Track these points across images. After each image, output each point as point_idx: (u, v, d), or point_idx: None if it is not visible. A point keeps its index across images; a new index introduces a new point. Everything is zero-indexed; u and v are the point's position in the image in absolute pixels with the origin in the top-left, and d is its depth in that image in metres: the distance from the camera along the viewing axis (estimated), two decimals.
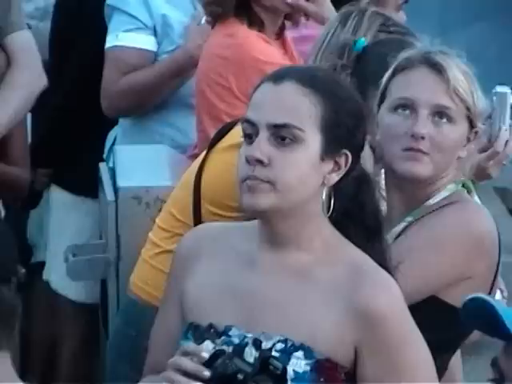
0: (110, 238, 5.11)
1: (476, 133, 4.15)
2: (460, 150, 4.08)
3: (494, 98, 5.00)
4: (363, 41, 4.58)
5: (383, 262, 3.46)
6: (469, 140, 4.09)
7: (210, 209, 4.45)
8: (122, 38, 5.89)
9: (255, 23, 5.06)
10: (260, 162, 3.22)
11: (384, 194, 4.24)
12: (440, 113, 3.97)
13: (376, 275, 3.40)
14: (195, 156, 5.00)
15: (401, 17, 5.72)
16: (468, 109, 4.03)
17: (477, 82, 4.22)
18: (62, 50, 6.44)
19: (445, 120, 3.97)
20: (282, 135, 3.25)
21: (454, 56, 4.13)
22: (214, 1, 5.10)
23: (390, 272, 3.45)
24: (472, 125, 4.09)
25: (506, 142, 4.85)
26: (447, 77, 3.95)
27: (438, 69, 3.98)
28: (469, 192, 4.29)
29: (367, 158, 4.16)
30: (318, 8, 5.36)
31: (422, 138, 3.90)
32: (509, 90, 5.19)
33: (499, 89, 5.15)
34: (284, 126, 3.19)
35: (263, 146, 3.21)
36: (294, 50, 5.43)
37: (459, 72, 4.05)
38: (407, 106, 3.98)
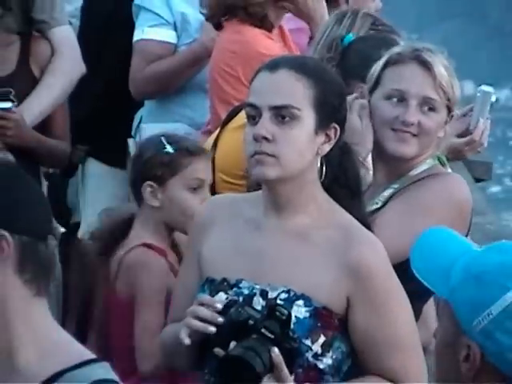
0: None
1: (452, 116, 4.25)
2: (440, 131, 4.16)
3: (478, 94, 5.15)
4: (350, 36, 4.63)
5: (362, 217, 3.62)
6: (446, 122, 4.16)
7: (222, 177, 4.52)
8: (148, 32, 5.91)
9: (262, 22, 5.08)
10: (265, 138, 3.37)
11: (363, 161, 4.22)
12: (427, 103, 4.06)
13: (363, 236, 3.54)
14: (208, 132, 5.15)
15: (377, 4, 5.76)
16: (449, 99, 4.10)
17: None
18: (98, 44, 6.43)
19: (430, 109, 4.06)
20: (283, 114, 3.43)
21: (438, 53, 4.20)
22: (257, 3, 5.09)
23: (368, 224, 3.63)
24: (450, 110, 4.18)
25: (482, 132, 4.94)
26: (434, 73, 4.02)
27: (426, 66, 4.04)
28: (443, 165, 4.35)
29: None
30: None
31: (412, 124, 3.99)
32: (492, 90, 5.28)
33: (484, 88, 5.24)
34: (284, 106, 3.40)
35: (267, 125, 3.38)
36: (292, 42, 5.43)
37: (443, 68, 4.12)
38: (399, 96, 4.06)
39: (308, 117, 3.46)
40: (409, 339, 3.49)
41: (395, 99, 4.12)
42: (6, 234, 2.37)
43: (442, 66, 4.22)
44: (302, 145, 3.47)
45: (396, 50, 4.23)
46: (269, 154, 3.41)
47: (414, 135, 4.08)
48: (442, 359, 2.50)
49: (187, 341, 3.36)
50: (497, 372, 2.33)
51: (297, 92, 3.49)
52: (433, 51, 4.25)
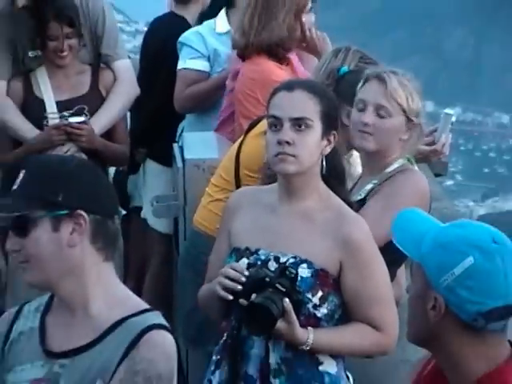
0: (180, 191, 5.12)
1: (414, 124, 4.14)
2: (401, 134, 4.08)
3: (442, 116, 5.15)
4: (345, 68, 4.56)
5: (346, 199, 3.67)
6: (409, 128, 4.08)
7: (245, 172, 4.46)
8: (188, 63, 5.90)
9: (276, 57, 5.02)
10: (287, 142, 3.42)
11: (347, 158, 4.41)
12: (380, 109, 4.00)
13: (351, 217, 3.57)
14: (221, 129, 5.36)
15: (311, 17, 5.36)
16: (403, 109, 4.03)
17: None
18: (152, 72, 6.42)
19: (383, 113, 4.01)
20: (299, 124, 3.46)
21: (400, 74, 4.13)
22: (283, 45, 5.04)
23: (350, 204, 3.68)
24: (409, 119, 4.09)
25: (444, 144, 4.86)
26: (388, 87, 3.98)
27: (382, 81, 4.01)
28: (412, 164, 4.24)
29: None
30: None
31: (366, 124, 3.98)
32: (452, 113, 5.34)
33: (447, 111, 5.31)
34: (301, 118, 3.45)
35: (288, 132, 3.43)
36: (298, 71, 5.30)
37: (397, 84, 4.04)
38: (362, 104, 4.05)
39: (317, 126, 3.51)
40: (385, 295, 3.50)
41: (360, 107, 4.11)
42: (84, 213, 2.43)
43: (396, 82, 4.14)
44: (312, 147, 3.53)
45: (368, 71, 4.24)
46: (289, 154, 3.47)
47: (371, 134, 4.05)
48: (413, 309, 2.50)
49: (222, 292, 3.40)
50: (457, 319, 2.36)
51: (309, 107, 3.53)
52: (394, 73, 4.19)
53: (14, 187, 2.50)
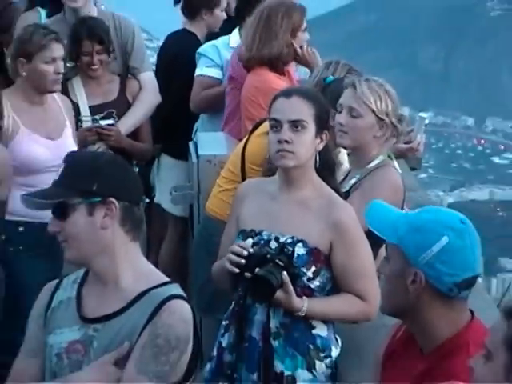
0: (195, 182, 5.10)
1: (385, 122, 4.08)
2: (374, 132, 4.02)
3: (417, 118, 5.12)
4: (330, 78, 4.50)
5: (336, 188, 3.66)
6: (381, 126, 4.02)
7: (250, 166, 4.42)
8: (204, 70, 5.87)
9: (275, 69, 4.97)
10: (286, 141, 3.41)
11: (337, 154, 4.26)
12: (351, 111, 3.94)
13: (340, 204, 3.56)
14: (226, 124, 5.44)
15: (305, 35, 5.34)
16: (373, 110, 3.96)
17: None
18: (169, 79, 6.30)
19: (354, 114, 3.95)
20: (296, 125, 3.44)
21: (372, 81, 4.08)
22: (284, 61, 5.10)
23: (339, 192, 3.69)
24: (381, 119, 4.02)
25: (419, 143, 4.83)
26: (357, 92, 3.93)
27: (354, 87, 3.94)
28: (391, 159, 4.18)
29: None
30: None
31: (341, 124, 3.94)
32: (425, 116, 5.36)
33: (421, 114, 5.27)
34: (298, 120, 3.43)
35: (287, 133, 3.42)
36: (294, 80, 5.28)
37: (367, 89, 3.98)
38: (339, 107, 4.00)
39: (311, 127, 3.50)
40: (369, 270, 3.49)
41: (339, 110, 4.04)
42: (115, 201, 2.47)
43: (366, 87, 4.06)
44: (308, 145, 3.51)
45: (347, 80, 4.21)
46: (288, 151, 3.46)
47: (346, 132, 4.01)
48: (393, 285, 2.53)
49: (230, 267, 3.43)
50: (434, 290, 2.42)
51: (305, 111, 3.52)
52: (367, 80, 4.12)
53: (56, 178, 2.57)
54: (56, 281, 2.75)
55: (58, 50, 4.25)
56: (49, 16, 5.84)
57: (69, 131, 4.51)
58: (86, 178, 2.54)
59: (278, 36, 4.93)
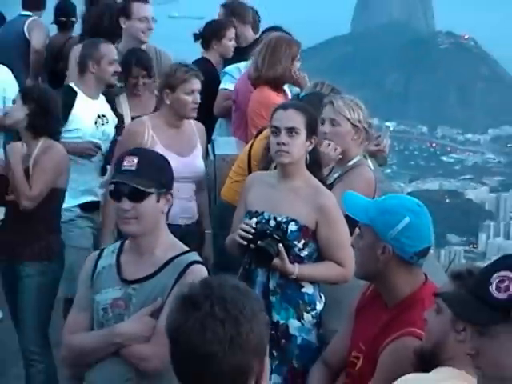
0: (212, 175, 4.94)
1: (359, 128, 4.01)
2: (352, 136, 3.92)
3: (384, 127, 5.10)
4: (302, 94, 4.53)
5: (322, 180, 3.58)
6: (356, 131, 3.92)
7: (254, 162, 4.24)
8: (227, 85, 5.69)
9: (276, 88, 4.87)
10: (283, 143, 3.33)
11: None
12: (331, 121, 3.85)
13: (324, 192, 3.49)
14: (235, 133, 5.27)
15: (298, 63, 5.21)
16: (348, 119, 3.86)
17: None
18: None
19: (334, 124, 3.83)
20: (291, 131, 3.37)
21: (346, 97, 4.06)
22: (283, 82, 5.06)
23: (325, 183, 3.63)
24: (355, 125, 3.94)
25: (385, 146, 4.68)
26: (335, 106, 3.83)
27: (332, 104, 3.85)
28: (366, 158, 4.10)
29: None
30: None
31: (325, 133, 3.82)
32: (390, 125, 5.51)
33: (387, 123, 5.39)
34: (292, 127, 3.36)
35: (284, 137, 3.35)
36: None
37: (342, 103, 3.91)
38: (321, 120, 3.87)
39: (303, 133, 3.41)
40: (347, 243, 3.28)
41: (321, 122, 3.88)
42: (171, 192, 2.60)
43: (341, 102, 3.98)
44: (300, 146, 3.42)
45: (326, 98, 4.10)
46: (285, 151, 3.39)
47: (330, 139, 3.89)
48: (366, 255, 2.55)
49: (239, 240, 3.41)
50: (399, 259, 2.46)
51: (298, 120, 3.42)
52: (342, 97, 4.09)
53: (132, 168, 2.52)
54: (98, 251, 2.77)
55: (196, 84, 4.19)
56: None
57: (198, 152, 4.39)
58: (159, 172, 2.59)
59: (281, 62, 4.81)
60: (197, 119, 4.80)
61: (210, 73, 5.73)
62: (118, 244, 2.70)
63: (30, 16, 6.60)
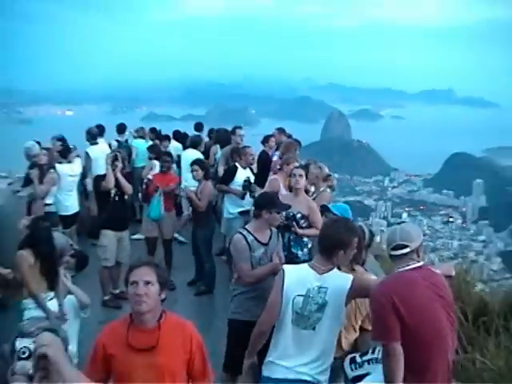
0: None
1: (328, 174, 5.25)
2: (320, 180, 5.04)
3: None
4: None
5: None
6: (324, 176, 5.02)
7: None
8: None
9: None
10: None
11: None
12: (304, 176, 4.82)
13: (312, 202, 4.51)
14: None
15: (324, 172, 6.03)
16: (317, 176, 4.98)
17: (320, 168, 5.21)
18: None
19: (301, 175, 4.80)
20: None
21: (317, 163, 5.20)
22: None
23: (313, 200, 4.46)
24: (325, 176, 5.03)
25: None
26: (309, 169, 4.86)
27: (307, 168, 4.93)
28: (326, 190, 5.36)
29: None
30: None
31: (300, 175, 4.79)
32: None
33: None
34: None
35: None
36: None
37: (314, 167, 5.08)
38: (293, 175, 4.92)
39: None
40: (320, 220, 4.45)
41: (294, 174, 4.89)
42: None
43: (313, 167, 4.96)
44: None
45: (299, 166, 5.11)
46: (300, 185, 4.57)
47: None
48: None
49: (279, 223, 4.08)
50: None
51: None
52: (316, 163, 5.12)
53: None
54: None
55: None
56: None
57: None
58: None
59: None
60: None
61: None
62: None
63: None
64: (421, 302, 2.53)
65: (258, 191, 5.89)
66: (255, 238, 3.81)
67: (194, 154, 8.24)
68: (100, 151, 8.14)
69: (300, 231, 4.77)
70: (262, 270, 3.73)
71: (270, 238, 3.87)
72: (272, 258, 3.82)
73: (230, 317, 3.91)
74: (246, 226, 3.97)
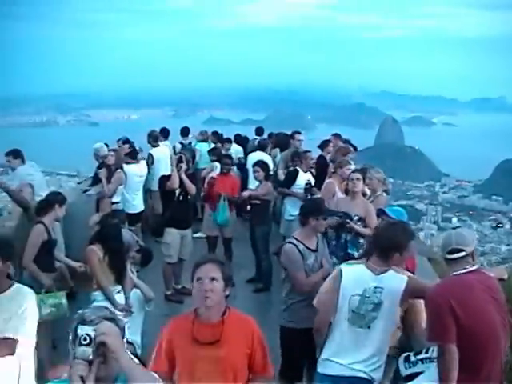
0: None
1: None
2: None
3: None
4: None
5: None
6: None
7: None
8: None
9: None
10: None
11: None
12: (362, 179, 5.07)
13: (370, 205, 4.55)
14: None
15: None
16: (378, 180, 5.15)
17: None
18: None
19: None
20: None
21: (377, 169, 5.20)
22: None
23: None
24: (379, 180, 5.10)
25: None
26: (369, 173, 5.09)
27: (363, 172, 5.10)
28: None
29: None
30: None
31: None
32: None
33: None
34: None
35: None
36: None
37: (375, 172, 5.13)
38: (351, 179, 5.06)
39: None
40: (375, 223, 4.45)
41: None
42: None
43: (375, 171, 5.00)
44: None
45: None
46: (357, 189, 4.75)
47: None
48: None
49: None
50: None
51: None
52: (372, 167, 5.12)
53: None
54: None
55: None
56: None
57: None
58: None
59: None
60: None
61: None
62: None
63: None
64: (476, 304, 2.56)
65: (318, 194, 6.03)
66: (305, 246, 3.82)
67: (260, 155, 8.41)
68: (162, 153, 8.44)
69: (356, 227, 4.86)
70: (317, 277, 3.76)
71: (317, 243, 3.90)
72: (322, 264, 3.85)
73: (285, 325, 3.91)
74: (294, 235, 3.97)
